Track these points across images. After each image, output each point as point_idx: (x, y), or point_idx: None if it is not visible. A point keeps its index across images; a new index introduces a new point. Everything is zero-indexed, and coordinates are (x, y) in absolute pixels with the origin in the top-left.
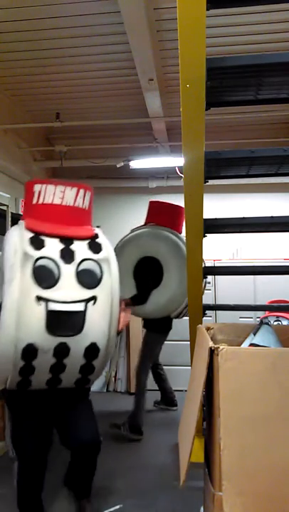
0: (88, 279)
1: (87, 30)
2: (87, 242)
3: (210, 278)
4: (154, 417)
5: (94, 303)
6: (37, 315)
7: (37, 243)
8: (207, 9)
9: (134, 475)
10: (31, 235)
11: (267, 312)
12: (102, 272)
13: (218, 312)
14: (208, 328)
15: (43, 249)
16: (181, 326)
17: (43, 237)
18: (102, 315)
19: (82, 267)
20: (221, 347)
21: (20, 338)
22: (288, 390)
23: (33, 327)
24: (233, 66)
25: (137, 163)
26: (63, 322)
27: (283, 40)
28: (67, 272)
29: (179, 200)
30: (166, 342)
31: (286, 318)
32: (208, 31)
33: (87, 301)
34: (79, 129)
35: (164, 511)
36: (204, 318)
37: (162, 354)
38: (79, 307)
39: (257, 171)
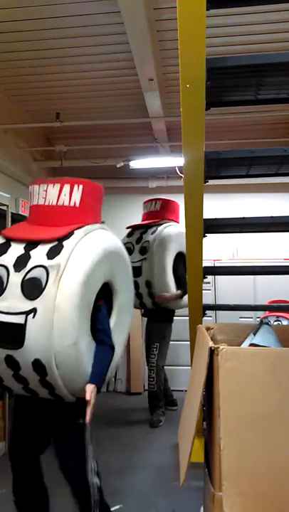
0: (31, 289)
1: (87, 30)
2: (51, 245)
3: (210, 278)
4: None
5: (33, 316)
6: None
7: (1, 250)
8: (207, 9)
9: (134, 475)
10: (2, 241)
11: (267, 312)
12: (47, 280)
13: (218, 312)
14: (208, 328)
15: (3, 256)
16: (181, 326)
17: (12, 243)
18: (41, 329)
19: (30, 275)
20: (221, 347)
21: None
22: (288, 390)
23: None
24: (233, 66)
25: (137, 163)
26: (6, 334)
27: (283, 40)
28: (14, 281)
29: (179, 200)
30: None
31: (286, 318)
32: (208, 31)
33: (27, 313)
34: (79, 129)
35: (164, 511)
36: (204, 318)
37: None
38: (19, 319)
39: (257, 171)
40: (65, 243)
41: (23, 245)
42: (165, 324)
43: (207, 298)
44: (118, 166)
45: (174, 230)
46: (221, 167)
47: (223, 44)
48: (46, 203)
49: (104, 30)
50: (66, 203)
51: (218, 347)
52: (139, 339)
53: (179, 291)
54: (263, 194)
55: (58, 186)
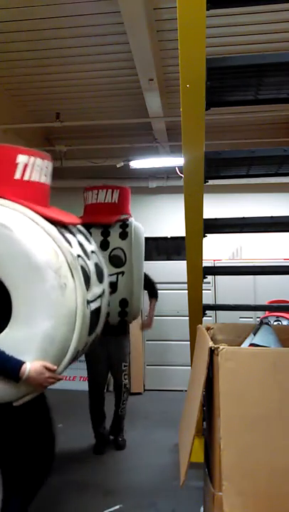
0: (100, 274)
1: (87, 30)
2: (79, 231)
3: (210, 278)
4: (153, 417)
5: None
6: (87, 320)
7: (65, 236)
8: (207, 9)
9: (134, 475)
10: (53, 227)
11: (267, 312)
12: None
13: (218, 312)
14: (208, 328)
15: (73, 246)
16: (181, 326)
17: (60, 228)
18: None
19: (94, 260)
20: (221, 347)
21: (73, 347)
22: (288, 390)
23: (84, 333)
24: (233, 66)
25: (137, 163)
26: (94, 321)
27: (283, 40)
28: (92, 269)
29: (179, 200)
30: (166, 342)
31: (286, 318)
32: (208, 31)
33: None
34: (79, 129)
35: (164, 511)
36: (204, 318)
37: (163, 354)
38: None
39: (257, 171)
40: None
41: (67, 230)
42: (128, 338)
43: (207, 298)
44: (118, 166)
45: (142, 231)
46: (221, 167)
47: (223, 44)
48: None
49: (104, 30)
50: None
51: (218, 347)
52: (138, 338)
53: (154, 301)
54: (263, 194)
55: None
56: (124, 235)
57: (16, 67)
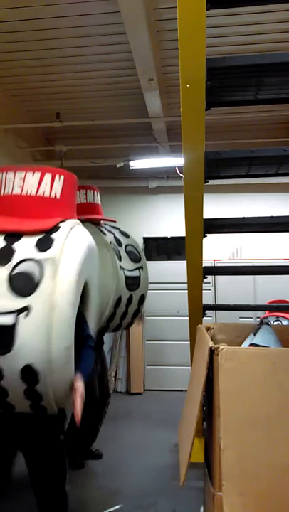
0: (22, 284)
1: (87, 30)
2: (38, 238)
3: (210, 278)
4: (153, 417)
5: (26, 315)
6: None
7: None
8: (207, 9)
9: (134, 475)
10: None
11: (267, 312)
12: (41, 275)
13: (218, 312)
14: (208, 328)
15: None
16: (181, 326)
17: None
18: (38, 330)
19: (18, 269)
20: (221, 347)
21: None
22: (288, 390)
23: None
24: (233, 66)
25: (137, 163)
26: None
27: (283, 40)
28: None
29: (179, 200)
30: (166, 342)
31: (286, 318)
32: (208, 31)
33: (18, 312)
34: (79, 129)
35: (164, 511)
36: (204, 318)
37: (163, 354)
38: (8, 320)
39: (257, 171)
40: (53, 236)
41: (2, 237)
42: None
43: (207, 298)
44: (118, 166)
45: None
46: (221, 167)
47: (223, 44)
48: (23, 193)
49: (104, 30)
50: (47, 194)
51: (218, 347)
52: (139, 338)
53: None
54: (263, 194)
55: (38, 175)
56: (124, 234)
57: (16, 67)
